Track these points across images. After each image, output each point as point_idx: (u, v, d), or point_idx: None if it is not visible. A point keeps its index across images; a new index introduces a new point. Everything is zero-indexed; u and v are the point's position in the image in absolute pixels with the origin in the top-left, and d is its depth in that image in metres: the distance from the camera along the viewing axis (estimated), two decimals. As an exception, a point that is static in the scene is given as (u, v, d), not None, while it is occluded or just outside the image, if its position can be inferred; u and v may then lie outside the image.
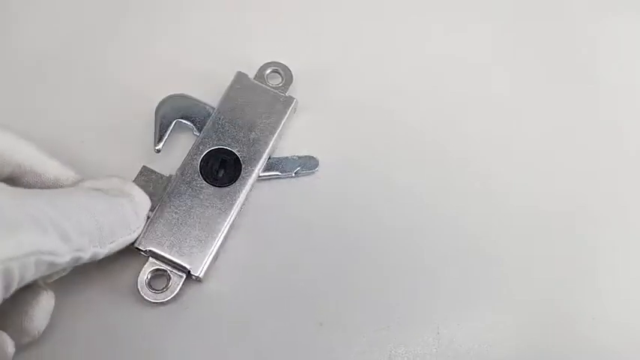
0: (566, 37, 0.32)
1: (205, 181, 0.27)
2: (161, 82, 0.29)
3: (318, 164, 0.28)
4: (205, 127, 0.28)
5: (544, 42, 0.32)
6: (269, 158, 0.28)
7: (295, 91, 0.30)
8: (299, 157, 0.28)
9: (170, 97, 0.28)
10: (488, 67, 0.32)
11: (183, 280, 0.26)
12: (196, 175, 0.27)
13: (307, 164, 0.28)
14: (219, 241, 0.26)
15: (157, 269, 0.26)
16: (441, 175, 0.29)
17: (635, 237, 0.28)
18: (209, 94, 0.29)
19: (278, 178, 0.28)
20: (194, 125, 0.28)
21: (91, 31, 0.31)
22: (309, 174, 0.28)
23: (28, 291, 0.22)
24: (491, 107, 0.31)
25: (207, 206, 0.26)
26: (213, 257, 0.26)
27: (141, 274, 0.25)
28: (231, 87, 0.28)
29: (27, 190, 0.20)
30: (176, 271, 0.26)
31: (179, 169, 0.27)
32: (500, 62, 0.32)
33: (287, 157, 0.28)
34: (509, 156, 0.30)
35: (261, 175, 0.28)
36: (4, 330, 0.22)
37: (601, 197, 0.29)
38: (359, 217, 0.28)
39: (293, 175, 0.28)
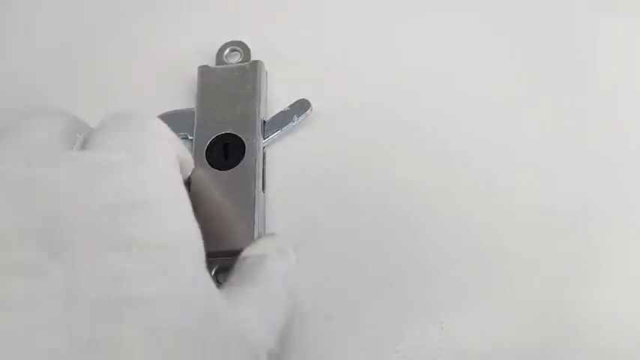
0: (566, 37, 0.32)
1: (218, 169, 0.27)
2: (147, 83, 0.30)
3: (310, 105, 0.29)
4: (195, 126, 0.29)
5: (544, 42, 0.32)
6: (264, 123, 0.29)
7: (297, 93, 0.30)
8: (289, 106, 0.29)
9: None
10: (488, 67, 0.31)
11: None
12: (207, 168, 0.27)
13: (300, 108, 0.29)
14: (257, 215, 0.26)
15: (215, 268, 0.26)
16: (444, 176, 0.29)
17: (639, 237, 0.28)
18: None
19: (281, 135, 0.29)
20: (185, 131, 0.29)
21: (91, 31, 0.31)
22: (306, 117, 0.29)
23: None
24: (491, 107, 0.30)
25: (231, 189, 0.27)
26: (259, 232, 0.26)
27: None
28: (200, 82, 0.30)
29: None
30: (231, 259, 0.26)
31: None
32: (501, 62, 0.32)
33: (279, 112, 0.29)
34: (511, 156, 0.29)
35: (265, 140, 0.29)
36: None
37: (605, 197, 0.29)
38: (359, 213, 0.28)
39: (293, 123, 0.29)
